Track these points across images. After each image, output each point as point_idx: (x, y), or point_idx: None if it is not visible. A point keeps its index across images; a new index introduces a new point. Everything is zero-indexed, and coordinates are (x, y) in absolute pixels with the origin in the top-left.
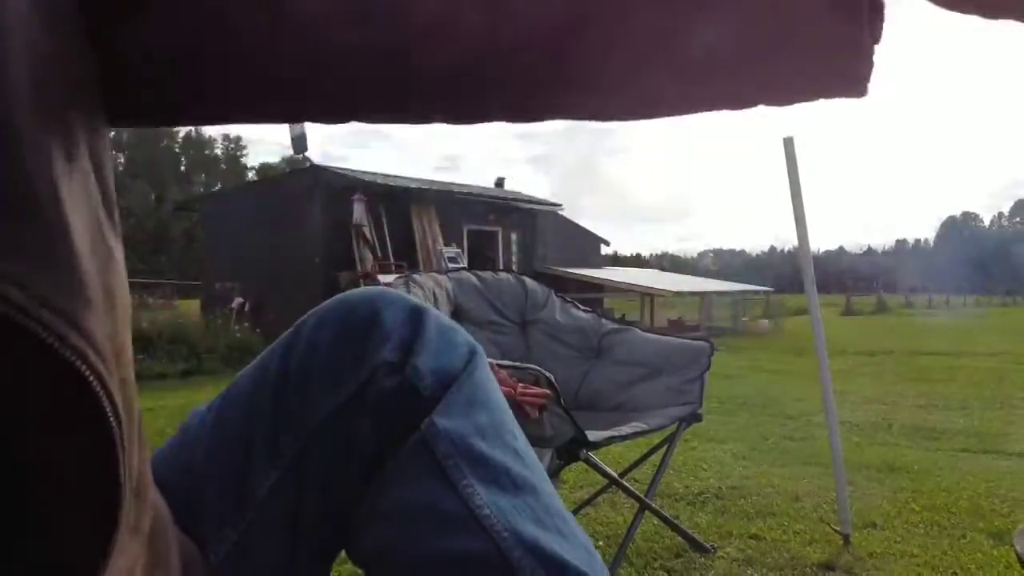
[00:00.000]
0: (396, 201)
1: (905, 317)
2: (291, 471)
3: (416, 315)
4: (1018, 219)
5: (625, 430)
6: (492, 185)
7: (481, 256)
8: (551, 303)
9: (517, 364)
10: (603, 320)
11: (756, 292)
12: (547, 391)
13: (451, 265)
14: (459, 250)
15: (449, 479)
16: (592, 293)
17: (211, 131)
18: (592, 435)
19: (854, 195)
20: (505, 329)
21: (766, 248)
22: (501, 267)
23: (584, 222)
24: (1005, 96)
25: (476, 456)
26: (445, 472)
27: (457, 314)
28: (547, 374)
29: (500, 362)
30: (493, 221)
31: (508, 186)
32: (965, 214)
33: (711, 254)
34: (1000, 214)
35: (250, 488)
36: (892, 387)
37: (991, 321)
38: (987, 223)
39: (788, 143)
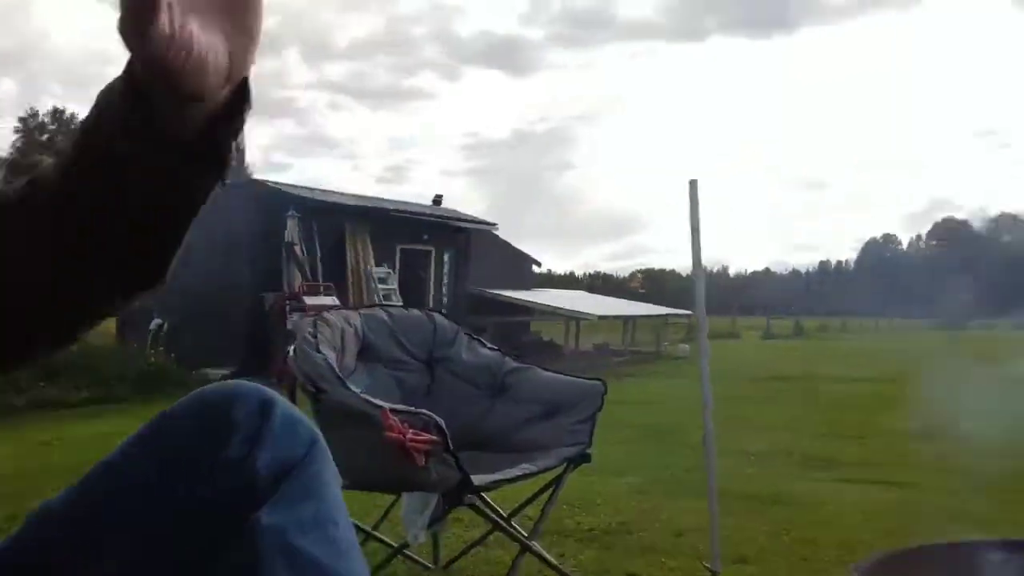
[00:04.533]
0: (330, 218)
1: (821, 341)
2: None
3: (265, 408)
4: (935, 241)
5: (512, 472)
6: (429, 202)
7: (413, 276)
8: (458, 341)
9: (410, 409)
10: (507, 359)
11: (678, 315)
12: (435, 437)
13: (380, 287)
14: (390, 270)
15: None
16: (521, 316)
17: None
18: (478, 479)
19: (780, 216)
20: (410, 367)
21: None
22: (431, 287)
23: (519, 240)
24: (924, 118)
25: (293, 552)
26: (258, 570)
27: (364, 351)
28: (437, 420)
29: (394, 407)
30: (427, 240)
31: (448, 202)
32: (885, 236)
33: (639, 275)
34: (919, 236)
35: None
36: (797, 413)
37: (897, 346)
38: (905, 245)
39: (692, 185)
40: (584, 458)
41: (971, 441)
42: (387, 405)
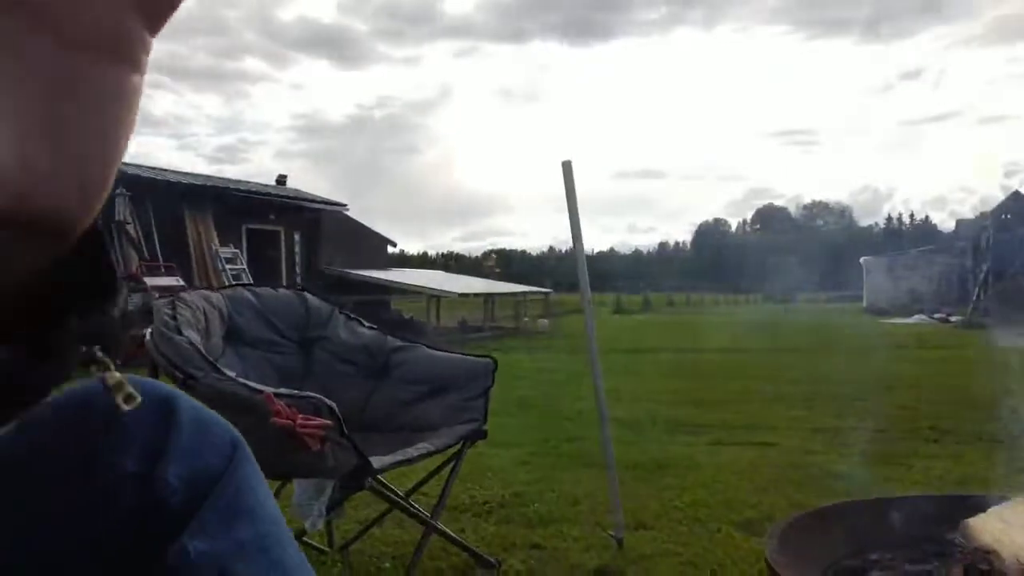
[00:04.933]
0: (165, 196)
1: (667, 315)
2: None
3: (166, 409)
4: (758, 226)
5: (411, 452)
6: (273, 182)
7: (262, 256)
8: (334, 320)
9: (295, 392)
10: (388, 338)
11: (536, 293)
12: (328, 421)
13: (229, 267)
14: (236, 251)
15: None
16: (378, 295)
17: None
18: (377, 461)
19: (622, 200)
20: (284, 348)
21: (546, 249)
22: (283, 267)
23: (370, 221)
24: (738, 119)
25: None
26: None
27: (231, 334)
28: (328, 403)
29: (278, 391)
30: (274, 220)
31: (290, 183)
32: (716, 220)
33: (494, 255)
34: (744, 220)
35: None
36: (656, 383)
37: (738, 318)
38: (734, 229)
39: (566, 166)
40: (480, 434)
41: (818, 402)
42: (269, 389)
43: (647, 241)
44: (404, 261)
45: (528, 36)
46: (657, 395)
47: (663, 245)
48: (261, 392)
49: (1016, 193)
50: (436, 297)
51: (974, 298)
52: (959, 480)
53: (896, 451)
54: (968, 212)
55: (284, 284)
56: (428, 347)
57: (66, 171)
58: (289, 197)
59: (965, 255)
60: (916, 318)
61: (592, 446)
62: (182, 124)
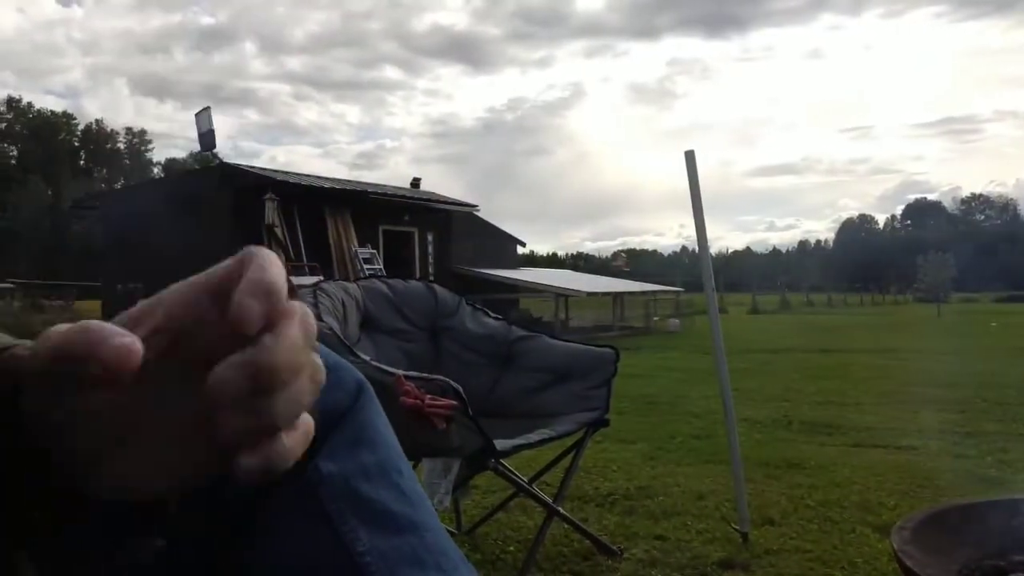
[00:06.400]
0: (309, 201)
1: (806, 315)
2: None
3: None
4: (909, 221)
5: (533, 438)
6: (408, 185)
7: (397, 256)
8: (461, 311)
9: (424, 376)
10: (512, 328)
11: (666, 292)
12: (454, 402)
13: (367, 267)
14: (374, 251)
15: (333, 526)
16: (507, 294)
17: (113, 123)
18: (500, 444)
19: (762, 197)
20: (414, 337)
21: (678, 248)
22: (416, 267)
23: (500, 222)
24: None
25: (360, 499)
26: (331, 519)
27: (366, 322)
28: (455, 385)
29: (407, 373)
30: (408, 222)
31: (424, 186)
32: (862, 216)
33: (624, 255)
34: (893, 216)
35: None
36: (792, 384)
37: (880, 319)
38: (881, 225)
39: (689, 156)
40: (603, 423)
41: (973, 407)
42: (400, 372)
43: (787, 239)
44: (533, 262)
45: (660, 32)
46: (793, 395)
47: (803, 243)
48: (393, 375)
49: None
50: (564, 296)
51: None
52: None
53: None
54: None
55: (416, 277)
56: (551, 336)
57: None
58: (422, 199)
59: None
60: None
61: (719, 444)
62: (324, 132)
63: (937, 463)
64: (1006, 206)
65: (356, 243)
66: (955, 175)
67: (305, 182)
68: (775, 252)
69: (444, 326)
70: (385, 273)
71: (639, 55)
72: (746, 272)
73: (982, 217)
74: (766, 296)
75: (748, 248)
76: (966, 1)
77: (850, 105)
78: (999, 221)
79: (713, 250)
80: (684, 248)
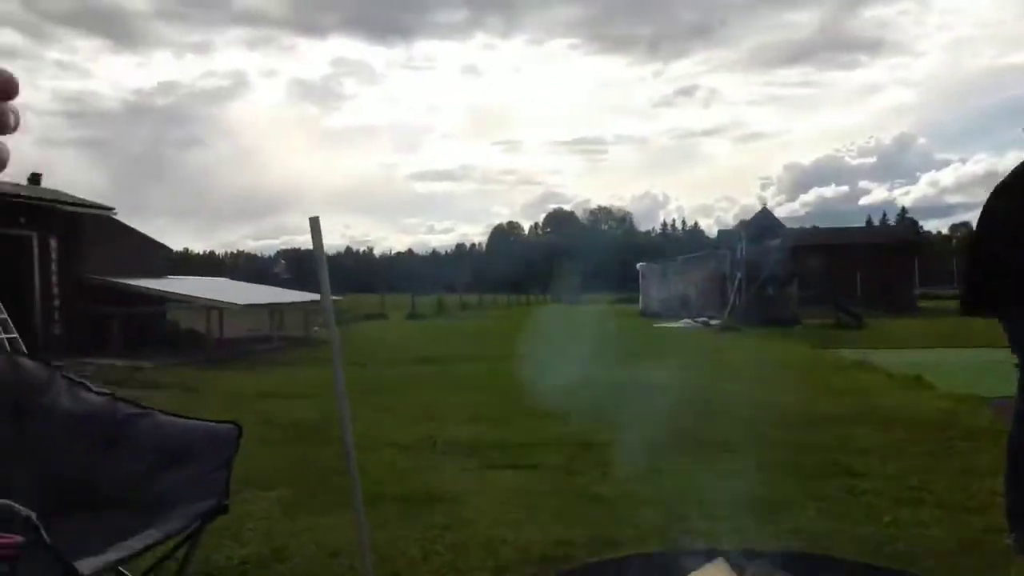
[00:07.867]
0: None
1: (459, 321)
2: None
3: None
4: (549, 229)
5: (133, 545)
6: (25, 182)
7: (10, 268)
8: (55, 387)
9: None
10: (119, 404)
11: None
12: (17, 538)
13: None
14: None
15: None
16: (153, 307)
17: None
18: (87, 565)
19: (423, 201)
20: None
21: (342, 249)
22: (37, 279)
23: (149, 219)
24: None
25: None
26: None
27: None
28: (24, 512)
29: None
30: (25, 225)
31: (56, 174)
32: (510, 223)
33: (283, 260)
34: (536, 223)
35: None
36: (440, 397)
37: (533, 320)
38: (527, 231)
39: (313, 223)
40: (221, 510)
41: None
42: None
43: (446, 242)
44: (188, 261)
45: (326, 30)
46: (440, 411)
47: (460, 246)
48: None
49: (764, 208)
50: (217, 308)
51: (731, 303)
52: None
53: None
54: (731, 221)
55: (34, 292)
56: (164, 413)
57: None
58: (44, 199)
59: (725, 263)
60: (683, 322)
61: (368, 479)
62: None
63: (553, 483)
64: (624, 218)
65: None
66: (586, 189)
67: None
68: (435, 254)
69: (32, 406)
70: None
71: (305, 51)
72: (409, 273)
73: (606, 227)
74: (426, 298)
75: (411, 250)
76: (595, 36)
77: (502, 119)
78: (619, 231)
79: (377, 251)
80: (349, 249)
